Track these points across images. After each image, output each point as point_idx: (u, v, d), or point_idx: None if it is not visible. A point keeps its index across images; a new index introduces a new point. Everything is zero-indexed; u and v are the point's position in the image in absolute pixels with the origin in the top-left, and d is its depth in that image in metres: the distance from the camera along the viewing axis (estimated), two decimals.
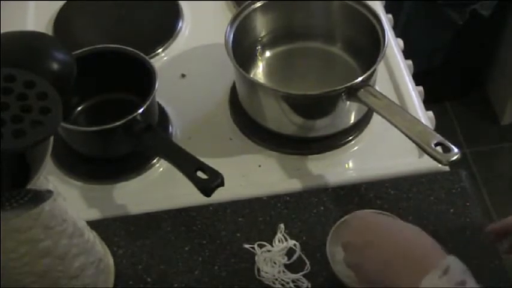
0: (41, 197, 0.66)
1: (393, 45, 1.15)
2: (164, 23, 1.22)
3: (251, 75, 1.07)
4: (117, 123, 0.92)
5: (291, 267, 0.88)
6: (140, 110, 0.93)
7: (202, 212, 0.94)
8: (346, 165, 1.00)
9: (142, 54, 1.02)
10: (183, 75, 1.14)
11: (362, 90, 0.91)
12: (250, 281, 0.87)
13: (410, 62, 1.14)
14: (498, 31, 2.09)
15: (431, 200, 0.93)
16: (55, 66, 0.70)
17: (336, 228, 0.86)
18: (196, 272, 0.88)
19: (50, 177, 0.78)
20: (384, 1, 1.26)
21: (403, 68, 1.11)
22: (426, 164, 0.94)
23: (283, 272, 0.87)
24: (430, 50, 2.05)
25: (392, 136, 0.94)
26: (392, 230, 0.72)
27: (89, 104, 1.06)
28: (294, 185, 0.97)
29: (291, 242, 0.89)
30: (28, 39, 0.74)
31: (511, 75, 2.09)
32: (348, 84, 0.91)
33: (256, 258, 0.88)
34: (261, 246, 0.89)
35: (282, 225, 0.91)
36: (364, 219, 0.77)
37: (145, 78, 0.98)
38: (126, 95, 1.04)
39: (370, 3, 1.02)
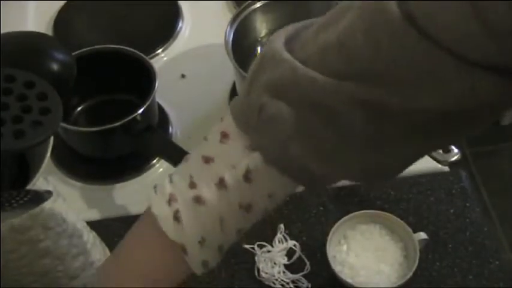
0: (40, 197, 0.66)
1: None
2: (164, 23, 1.22)
3: None
4: (117, 124, 0.92)
5: (291, 268, 0.87)
6: (140, 111, 0.93)
7: None
8: None
9: (142, 54, 1.02)
10: (183, 76, 1.14)
11: None
12: (250, 281, 0.87)
13: None
14: None
15: (431, 201, 0.93)
16: (55, 66, 0.70)
17: (336, 228, 0.86)
18: None
19: (49, 177, 0.78)
20: None
21: None
22: (426, 164, 0.93)
23: (283, 272, 0.87)
24: None
25: None
26: None
27: (88, 104, 1.06)
28: None
29: (291, 243, 0.89)
30: (28, 40, 0.74)
31: None
32: None
33: (256, 258, 0.88)
34: (261, 246, 0.89)
35: (282, 226, 0.91)
36: None
37: (145, 79, 0.98)
38: (126, 96, 1.04)
39: None
